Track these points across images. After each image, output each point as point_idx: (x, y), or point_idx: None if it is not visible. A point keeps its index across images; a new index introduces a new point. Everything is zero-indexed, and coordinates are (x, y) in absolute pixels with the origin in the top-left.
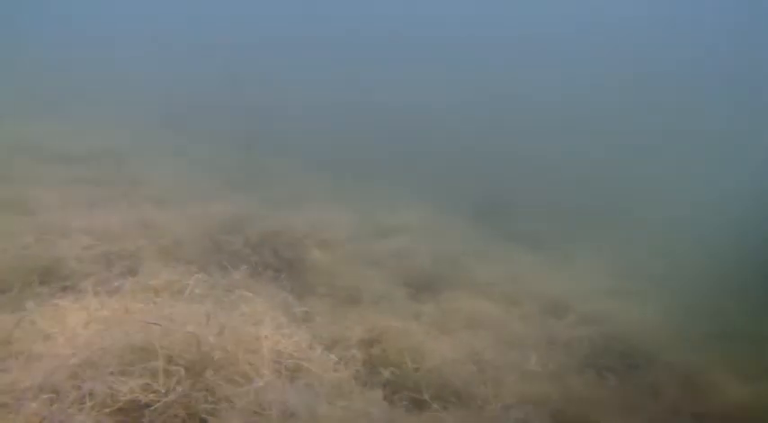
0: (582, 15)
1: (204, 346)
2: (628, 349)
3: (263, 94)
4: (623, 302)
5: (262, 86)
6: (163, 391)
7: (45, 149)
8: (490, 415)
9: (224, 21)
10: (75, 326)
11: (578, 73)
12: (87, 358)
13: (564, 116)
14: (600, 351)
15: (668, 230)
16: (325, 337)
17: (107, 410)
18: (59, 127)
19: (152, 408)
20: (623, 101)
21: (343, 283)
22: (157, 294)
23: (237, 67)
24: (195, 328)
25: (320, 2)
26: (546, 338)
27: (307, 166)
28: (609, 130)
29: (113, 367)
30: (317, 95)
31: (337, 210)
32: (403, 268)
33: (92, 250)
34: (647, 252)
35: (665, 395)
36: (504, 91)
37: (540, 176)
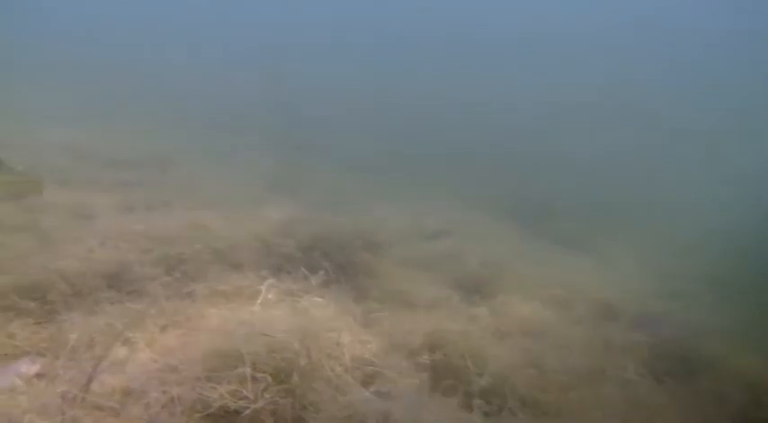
0: (617, 13)
1: (288, 352)
2: (685, 353)
3: (306, 97)
4: (674, 305)
5: (304, 88)
6: (251, 397)
7: (95, 154)
8: None
9: (271, 22)
10: (153, 330)
11: (615, 71)
12: (171, 363)
13: (603, 115)
14: (657, 355)
15: (714, 230)
16: (390, 343)
17: (197, 416)
18: (106, 131)
19: (242, 414)
20: (663, 99)
21: (395, 287)
22: (229, 300)
23: (282, 69)
24: (278, 335)
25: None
26: (602, 343)
27: (350, 169)
28: (649, 128)
29: (198, 372)
30: (360, 98)
31: (382, 212)
32: (452, 271)
33: (152, 254)
34: (692, 252)
35: (729, 402)
36: (542, 90)
37: (580, 177)
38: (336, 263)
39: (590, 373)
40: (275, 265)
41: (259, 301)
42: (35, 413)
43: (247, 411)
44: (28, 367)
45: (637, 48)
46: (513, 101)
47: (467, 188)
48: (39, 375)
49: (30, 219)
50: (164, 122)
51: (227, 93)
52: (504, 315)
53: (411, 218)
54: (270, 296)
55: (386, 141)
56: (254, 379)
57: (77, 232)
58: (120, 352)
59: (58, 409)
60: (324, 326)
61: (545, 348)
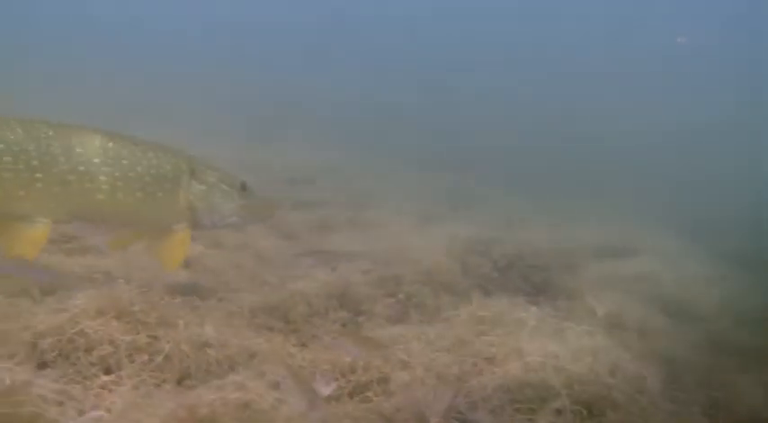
0: None
1: (597, 385)
2: None
3: (463, 112)
4: None
5: (462, 104)
6: None
7: (268, 170)
8: None
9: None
10: (422, 354)
11: None
12: (460, 390)
13: None
14: None
15: None
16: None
17: None
18: (267, 147)
19: None
20: None
21: (593, 309)
22: (493, 326)
23: (443, 81)
24: (581, 365)
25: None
26: None
27: (513, 186)
28: None
29: (502, 403)
30: (512, 112)
31: (560, 230)
32: (649, 291)
33: (370, 275)
34: None
35: None
36: (707, 102)
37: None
38: (533, 282)
39: None
40: (477, 285)
41: (528, 329)
42: None
43: None
44: (324, 387)
45: None
46: (680, 116)
47: (639, 204)
48: (332, 396)
49: (244, 238)
50: (321, 137)
51: (380, 109)
52: (724, 343)
53: (590, 236)
54: (532, 323)
55: (547, 158)
56: (571, 411)
57: (291, 251)
58: (402, 376)
59: None
60: (615, 356)
61: None
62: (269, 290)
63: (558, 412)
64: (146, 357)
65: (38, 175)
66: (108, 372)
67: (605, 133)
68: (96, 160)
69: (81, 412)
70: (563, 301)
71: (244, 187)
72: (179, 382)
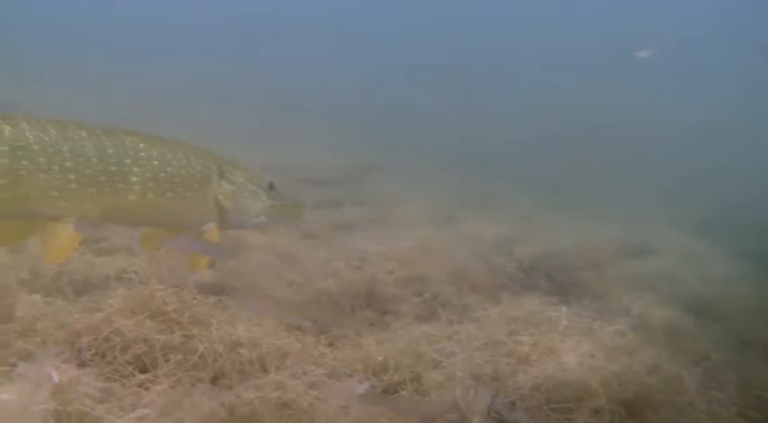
0: None
1: (636, 384)
2: None
3: (477, 113)
4: None
5: (477, 105)
6: None
7: (285, 171)
8: None
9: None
10: (455, 353)
11: None
12: (508, 390)
13: None
14: None
15: None
16: None
17: None
18: (280, 148)
19: None
20: None
21: (624, 308)
22: (526, 325)
23: (458, 80)
24: (618, 364)
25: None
26: None
27: (527, 186)
28: None
29: (539, 402)
30: (528, 111)
31: (578, 229)
32: (673, 291)
33: (395, 274)
34: None
35: None
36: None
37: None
38: (558, 282)
39: None
40: (501, 285)
41: (560, 329)
42: None
43: None
44: (358, 387)
45: None
46: (695, 115)
47: (655, 204)
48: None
49: (269, 238)
50: (335, 137)
51: (394, 108)
52: (754, 344)
53: (610, 235)
54: (564, 322)
55: (563, 157)
56: (610, 411)
57: (313, 251)
58: (432, 376)
59: None
60: (652, 355)
61: None
62: (296, 289)
63: (596, 411)
64: (180, 356)
65: (71, 176)
66: (144, 370)
67: (620, 133)
68: (128, 161)
69: (123, 409)
70: (589, 300)
71: (271, 187)
72: (213, 381)
